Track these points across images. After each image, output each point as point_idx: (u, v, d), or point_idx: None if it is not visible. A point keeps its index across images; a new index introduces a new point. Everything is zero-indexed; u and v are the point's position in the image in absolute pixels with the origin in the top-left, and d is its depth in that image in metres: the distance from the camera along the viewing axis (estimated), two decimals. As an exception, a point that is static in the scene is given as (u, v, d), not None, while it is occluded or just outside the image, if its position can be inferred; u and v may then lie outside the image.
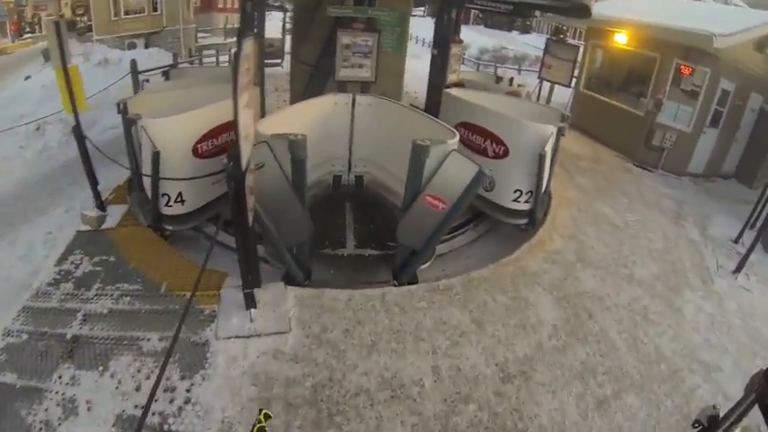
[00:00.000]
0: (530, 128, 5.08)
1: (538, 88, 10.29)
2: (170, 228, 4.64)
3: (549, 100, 9.62)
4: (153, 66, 8.63)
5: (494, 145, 5.22)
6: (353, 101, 4.70)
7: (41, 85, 11.34)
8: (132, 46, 19.24)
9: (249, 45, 2.70)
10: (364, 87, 4.89)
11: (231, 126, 2.75)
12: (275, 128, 3.63)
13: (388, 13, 4.66)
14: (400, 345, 3.58)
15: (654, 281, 5.29)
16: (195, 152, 4.52)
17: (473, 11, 36.87)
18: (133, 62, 7.61)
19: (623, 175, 8.39)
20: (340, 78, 4.81)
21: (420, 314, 3.89)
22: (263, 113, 5.33)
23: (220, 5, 26.44)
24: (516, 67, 19.82)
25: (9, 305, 3.90)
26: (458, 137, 3.84)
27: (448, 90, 5.77)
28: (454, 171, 3.67)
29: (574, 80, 9.80)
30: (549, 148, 5.02)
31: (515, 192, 5.35)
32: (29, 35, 22.68)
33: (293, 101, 7.04)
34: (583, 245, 5.61)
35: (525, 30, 33.89)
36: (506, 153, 5.18)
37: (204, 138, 4.58)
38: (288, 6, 11.07)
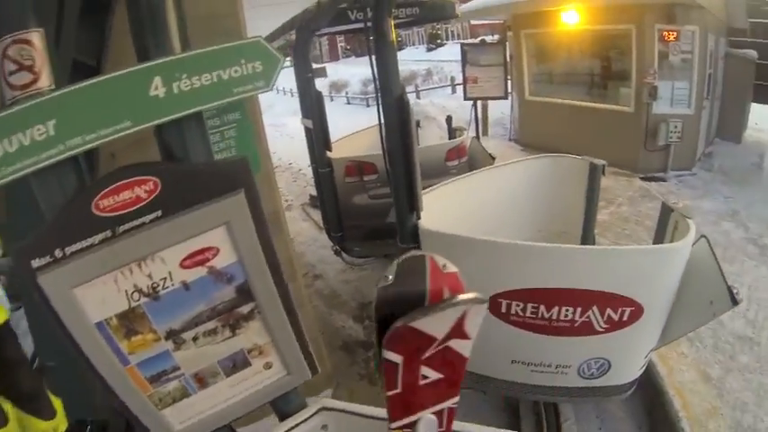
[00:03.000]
0: (680, 250, 2.12)
1: (472, 115, 7.60)
2: None
3: (485, 125, 7.06)
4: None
5: (610, 311, 2.14)
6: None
7: None
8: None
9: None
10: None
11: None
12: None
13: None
14: None
15: None
16: None
17: (339, 45, 34.11)
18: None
19: (654, 208, 5.84)
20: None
21: None
22: None
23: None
24: (412, 89, 17.39)
25: None
26: None
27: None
28: None
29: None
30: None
31: (647, 356, 2.46)
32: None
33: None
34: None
35: (398, 47, 32.30)
36: (638, 314, 2.14)
37: None
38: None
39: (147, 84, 1.03)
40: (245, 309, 1.19)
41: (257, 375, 1.28)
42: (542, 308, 2.17)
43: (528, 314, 2.23)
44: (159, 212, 1.05)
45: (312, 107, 4.00)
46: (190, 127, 1.14)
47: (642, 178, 6.58)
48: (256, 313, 1.20)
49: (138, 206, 1.02)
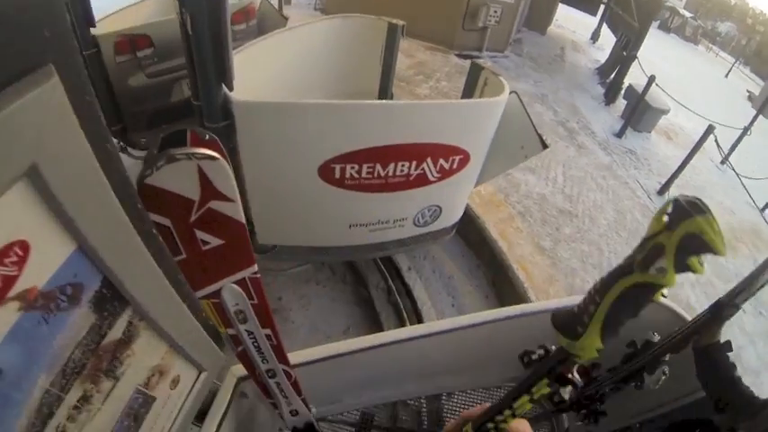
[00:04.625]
0: (501, 102, 2.20)
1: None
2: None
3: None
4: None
5: (442, 161, 2.17)
6: None
7: None
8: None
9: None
10: None
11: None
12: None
13: None
14: None
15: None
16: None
17: None
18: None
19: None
20: None
21: None
22: None
23: None
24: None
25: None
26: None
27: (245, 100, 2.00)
28: None
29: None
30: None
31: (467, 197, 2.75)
32: None
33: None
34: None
35: None
36: (465, 161, 2.26)
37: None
38: None
39: None
40: (117, 330, 0.57)
41: (166, 407, 0.76)
42: (378, 167, 2.07)
43: (364, 175, 2.12)
44: None
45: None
46: None
47: (458, 55, 6.90)
48: (138, 323, 0.61)
49: None
